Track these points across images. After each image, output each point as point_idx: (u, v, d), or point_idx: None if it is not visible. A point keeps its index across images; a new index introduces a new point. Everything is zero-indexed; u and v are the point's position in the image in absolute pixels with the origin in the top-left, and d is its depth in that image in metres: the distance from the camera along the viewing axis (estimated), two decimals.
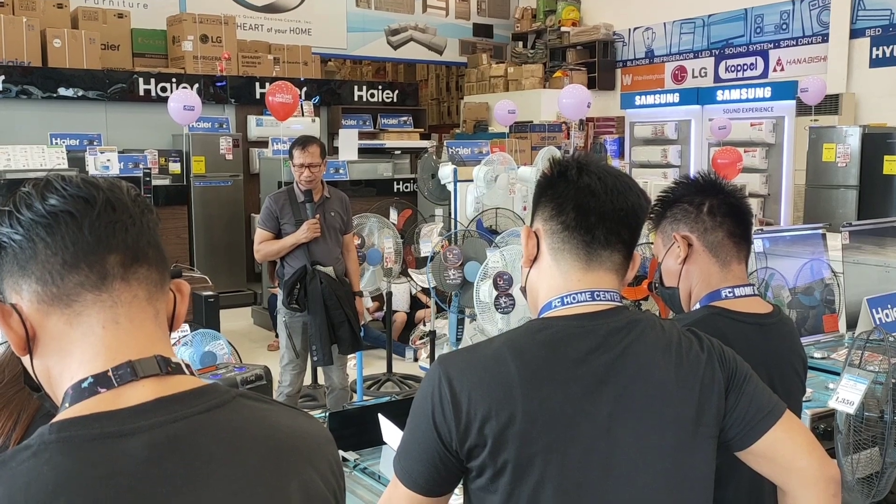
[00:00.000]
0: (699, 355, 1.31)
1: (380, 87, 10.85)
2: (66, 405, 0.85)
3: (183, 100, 7.14)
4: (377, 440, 2.30)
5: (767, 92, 9.50)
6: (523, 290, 1.41)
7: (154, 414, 0.84)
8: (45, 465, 0.78)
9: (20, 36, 8.14)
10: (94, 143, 7.76)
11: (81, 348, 0.87)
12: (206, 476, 0.84)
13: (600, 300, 1.29)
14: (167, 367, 0.88)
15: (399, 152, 10.22)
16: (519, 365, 1.22)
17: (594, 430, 1.22)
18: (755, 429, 1.31)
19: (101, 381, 0.85)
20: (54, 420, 0.84)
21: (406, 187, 8.21)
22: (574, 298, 1.29)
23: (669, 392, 1.26)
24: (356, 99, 10.43)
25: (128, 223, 0.89)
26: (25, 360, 0.90)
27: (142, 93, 8.72)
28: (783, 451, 1.32)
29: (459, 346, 5.01)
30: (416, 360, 6.66)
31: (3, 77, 7.92)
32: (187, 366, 0.92)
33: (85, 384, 0.85)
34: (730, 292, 1.74)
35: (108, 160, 6.86)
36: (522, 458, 1.19)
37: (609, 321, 1.27)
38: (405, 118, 10.82)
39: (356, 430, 2.46)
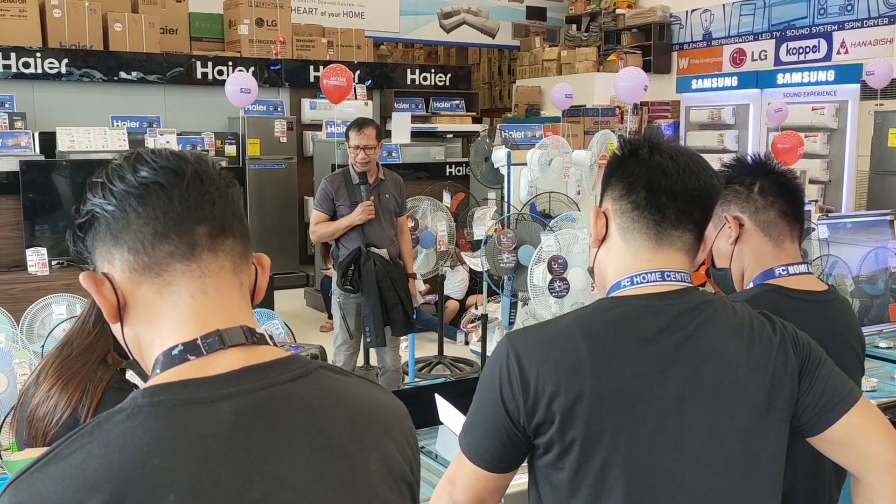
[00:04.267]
0: (772, 338, 1.28)
1: (432, 70, 10.83)
2: (157, 371, 0.87)
3: (240, 83, 7.23)
4: (433, 420, 2.31)
5: (831, 75, 9.23)
6: (591, 270, 1.40)
7: (241, 381, 0.86)
8: (139, 428, 0.80)
9: (83, 20, 8.32)
10: (154, 126, 7.92)
11: (171, 316, 0.89)
12: (291, 444, 0.85)
13: (670, 280, 1.28)
14: (252, 336, 0.90)
15: (451, 136, 10.20)
16: (588, 342, 1.21)
17: (663, 409, 1.21)
18: (830, 413, 1.28)
19: (191, 349, 0.87)
20: (146, 385, 0.86)
21: (458, 171, 8.20)
22: (644, 278, 1.28)
23: (741, 374, 1.24)
24: (409, 82, 10.43)
25: (214, 195, 0.91)
26: (116, 327, 0.93)
27: (199, 76, 8.85)
28: (858, 436, 1.29)
29: (513, 329, 5.00)
30: (467, 343, 6.68)
31: (66, 60, 8.12)
32: (270, 336, 0.93)
33: (175, 351, 0.87)
34: (783, 270, 1.71)
35: (168, 142, 6.99)
36: (590, 435, 1.19)
37: (679, 301, 1.26)
38: (457, 102, 10.78)
39: (412, 410, 2.47)
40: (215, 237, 0.90)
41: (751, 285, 1.74)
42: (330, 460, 0.87)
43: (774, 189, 1.72)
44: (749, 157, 1.79)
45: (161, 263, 0.89)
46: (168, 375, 0.86)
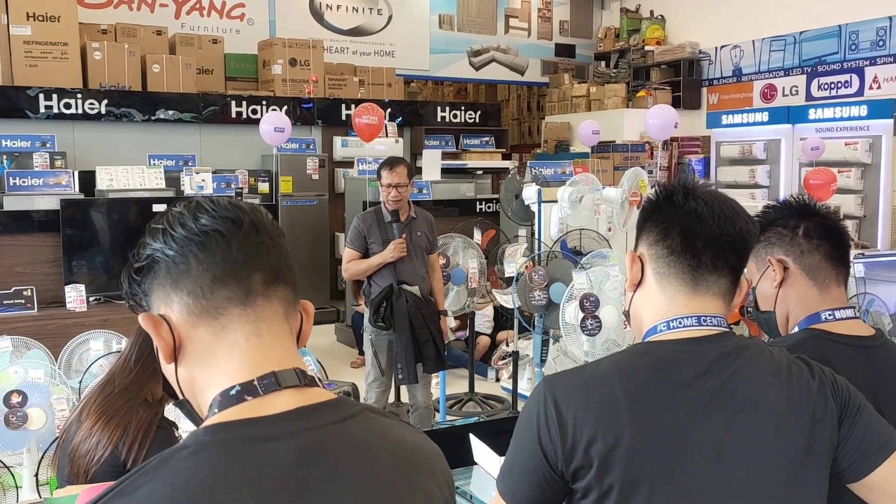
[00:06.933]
0: (810, 383, 1.28)
1: (462, 107, 10.94)
2: (216, 410, 0.91)
3: (274, 122, 7.36)
4: (466, 460, 2.31)
5: (863, 110, 9.17)
6: (626, 313, 1.41)
7: (297, 421, 0.89)
8: (204, 465, 0.84)
9: (122, 62, 8.55)
10: (189, 164, 8.07)
11: (227, 358, 0.93)
12: (345, 481, 0.89)
13: (707, 325, 1.28)
14: (304, 379, 0.94)
15: (481, 172, 10.27)
16: (625, 387, 1.22)
17: (701, 455, 1.21)
18: (870, 460, 1.27)
19: (248, 390, 0.91)
20: (206, 423, 0.90)
21: (488, 207, 8.24)
22: (680, 323, 1.28)
23: (780, 420, 1.24)
24: (439, 120, 10.54)
25: (269, 244, 0.96)
26: (169, 367, 0.96)
27: (234, 115, 9.03)
28: None
29: (543, 368, 4.98)
30: (497, 380, 6.65)
31: (105, 101, 8.33)
32: (319, 379, 0.97)
33: (233, 392, 0.91)
34: (830, 315, 1.69)
35: (203, 180, 7.11)
36: (629, 480, 1.19)
37: (716, 346, 1.26)
38: (487, 139, 10.87)
39: (446, 449, 2.48)
40: (269, 284, 0.95)
41: (796, 329, 1.72)
42: (380, 499, 0.91)
43: (819, 232, 1.70)
44: (788, 198, 1.78)
45: (219, 307, 0.93)
46: (227, 415, 0.89)
